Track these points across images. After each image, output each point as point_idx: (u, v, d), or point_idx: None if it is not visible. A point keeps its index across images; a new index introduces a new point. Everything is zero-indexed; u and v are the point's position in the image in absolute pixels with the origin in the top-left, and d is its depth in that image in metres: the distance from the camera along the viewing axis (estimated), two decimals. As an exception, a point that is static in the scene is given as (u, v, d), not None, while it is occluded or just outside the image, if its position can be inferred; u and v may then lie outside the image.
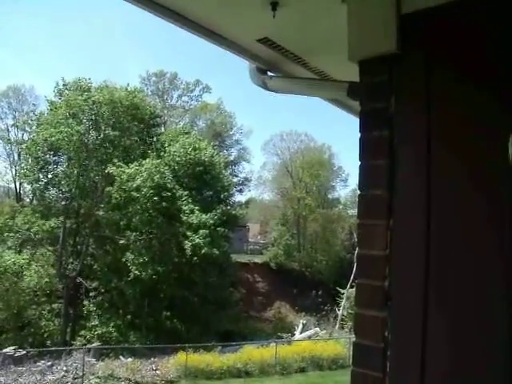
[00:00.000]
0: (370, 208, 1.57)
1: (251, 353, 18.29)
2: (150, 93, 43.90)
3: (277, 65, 2.30)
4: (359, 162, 1.60)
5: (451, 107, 1.45)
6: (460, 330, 1.36)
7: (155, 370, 17.08)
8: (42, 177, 25.48)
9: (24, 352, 18.11)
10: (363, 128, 1.61)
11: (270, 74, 2.31)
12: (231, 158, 43.77)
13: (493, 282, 1.30)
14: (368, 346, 1.52)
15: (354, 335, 1.57)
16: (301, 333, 26.82)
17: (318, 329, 27.45)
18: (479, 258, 1.34)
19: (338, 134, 73.14)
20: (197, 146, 29.04)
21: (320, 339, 23.13)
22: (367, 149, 1.59)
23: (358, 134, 1.61)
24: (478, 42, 1.40)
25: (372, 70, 1.60)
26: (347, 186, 49.11)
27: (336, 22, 1.90)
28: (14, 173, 35.40)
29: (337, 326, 28.99)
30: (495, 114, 1.35)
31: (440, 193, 1.43)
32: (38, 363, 17.03)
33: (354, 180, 67.20)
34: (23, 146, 27.23)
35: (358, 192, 1.59)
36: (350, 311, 29.92)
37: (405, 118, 1.51)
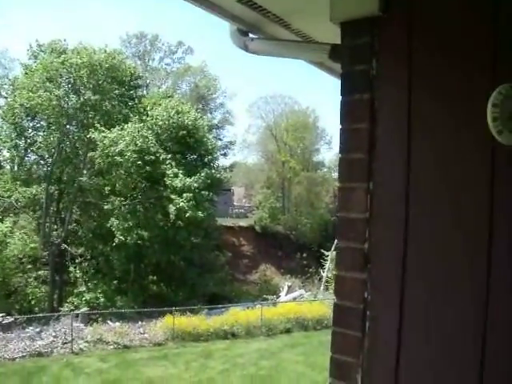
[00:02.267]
0: (351, 171, 1.57)
1: (237, 315, 18.65)
2: (130, 55, 42.77)
3: (258, 26, 2.25)
4: (340, 126, 1.59)
5: (432, 72, 1.43)
6: (436, 293, 1.39)
7: (143, 334, 17.38)
8: (20, 143, 24.95)
9: (12, 319, 18.21)
10: (344, 91, 1.59)
11: (251, 35, 2.26)
12: (215, 121, 43.33)
13: (477, 240, 1.33)
14: (348, 307, 1.55)
15: (334, 296, 1.61)
16: (286, 295, 27.34)
17: (303, 290, 28.01)
18: (458, 218, 1.36)
19: (322, 98, 72.66)
20: (180, 109, 28.65)
21: (305, 301, 23.62)
22: (348, 112, 1.58)
23: (339, 97, 1.60)
24: (461, 5, 1.38)
25: (354, 32, 1.56)
26: (331, 149, 49.16)
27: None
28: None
29: (321, 287, 29.56)
30: (475, 77, 1.35)
31: (420, 155, 1.43)
32: (27, 329, 17.19)
33: (338, 143, 67.32)
34: (-1, 111, 26.53)
35: (339, 155, 1.59)
36: (334, 273, 30.42)
37: (386, 81, 1.50)
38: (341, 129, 1.59)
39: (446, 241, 1.38)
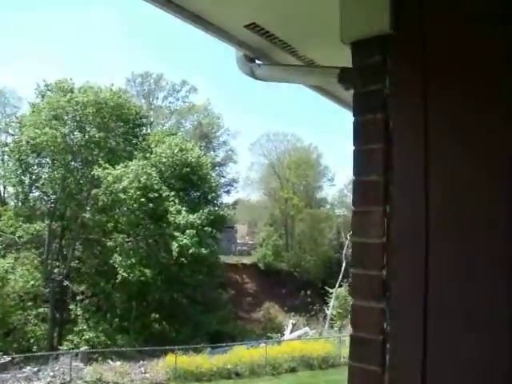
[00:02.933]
0: (366, 194, 1.49)
1: (241, 354, 18.25)
2: (135, 94, 43.54)
3: (265, 52, 2.23)
4: (353, 147, 1.53)
5: (450, 87, 1.38)
6: (464, 321, 1.30)
7: (144, 373, 16.96)
8: (25, 179, 25.08)
9: (9, 358, 17.84)
10: (357, 111, 1.53)
11: (257, 62, 2.24)
12: (218, 159, 43.57)
13: (501, 265, 1.24)
14: (366, 339, 1.45)
15: (350, 328, 1.50)
16: (290, 333, 26.85)
17: (307, 328, 27.50)
18: (483, 243, 1.28)
19: (325, 135, 73.40)
20: (183, 146, 28.91)
21: (310, 339, 23.15)
22: (361, 133, 1.52)
23: (352, 119, 1.54)
24: (479, 18, 1.34)
25: (365, 52, 1.52)
26: (334, 186, 49.30)
27: (327, 5, 1.84)
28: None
29: (326, 325, 29.09)
30: (498, 93, 1.29)
31: (439, 178, 1.36)
32: (24, 369, 16.83)
33: (340, 179, 67.63)
34: (6, 148, 26.81)
35: (353, 178, 1.52)
36: (338, 310, 30.05)
37: (400, 99, 1.44)
38: (354, 150, 1.53)
39: (470, 266, 1.29)
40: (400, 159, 1.43)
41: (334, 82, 1.89)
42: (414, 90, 1.42)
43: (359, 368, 1.46)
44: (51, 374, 16.48)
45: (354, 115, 1.54)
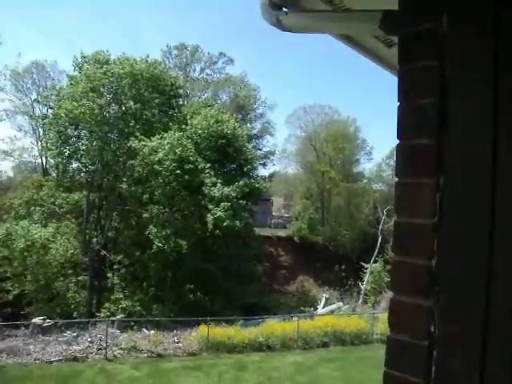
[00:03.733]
0: (413, 162, 1.17)
1: (273, 327, 18.23)
2: (171, 66, 43.30)
3: (293, -1, 1.90)
4: (398, 103, 1.22)
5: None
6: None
7: (177, 343, 17.19)
8: (64, 151, 25.45)
9: (52, 322, 18.46)
10: (403, 58, 1.21)
11: (284, 9, 1.91)
12: (255, 131, 43.15)
13: None
14: (407, 343, 1.15)
15: (388, 329, 1.22)
16: (323, 307, 26.71)
17: (340, 303, 27.29)
18: None
19: (364, 106, 71.68)
20: (219, 118, 28.62)
21: (343, 314, 22.94)
22: (409, 84, 1.19)
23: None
24: None
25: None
26: (372, 160, 48.24)
27: None
28: (40, 148, 35.67)
29: (360, 300, 28.80)
30: None
31: (511, 142, 1.04)
32: (65, 333, 17.37)
33: (378, 154, 66.28)
34: (46, 120, 27.25)
35: (397, 142, 1.21)
36: (373, 286, 29.67)
37: (462, 40, 1.11)
38: (399, 106, 1.21)
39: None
40: (459, 118, 1.11)
41: (375, 28, 1.55)
42: (482, 27, 1.08)
43: (397, 377, 1.17)
44: (89, 339, 16.94)
45: (399, 62, 1.22)
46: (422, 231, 1.14)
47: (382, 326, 19.34)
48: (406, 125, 1.21)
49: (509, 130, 1.04)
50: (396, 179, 1.20)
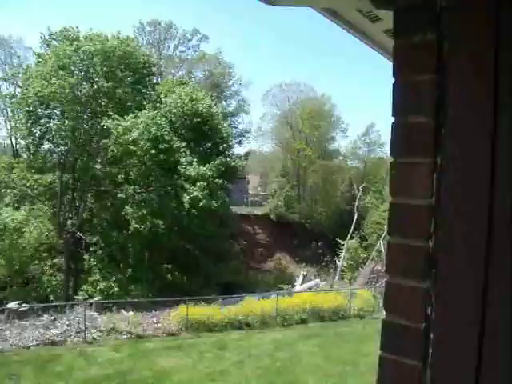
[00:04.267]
0: (409, 141, 1.13)
1: (252, 305, 18.36)
2: (144, 43, 42.36)
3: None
4: (393, 79, 1.17)
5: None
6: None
7: (156, 323, 17.18)
8: (35, 131, 24.77)
9: (28, 306, 18.20)
10: (399, 32, 1.15)
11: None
12: (230, 109, 42.82)
13: None
14: (403, 326, 1.13)
15: (383, 311, 1.19)
16: (301, 284, 27.05)
17: (318, 280, 27.68)
18: None
19: (338, 83, 71.74)
20: (194, 96, 28.23)
21: (321, 290, 23.27)
22: (405, 59, 1.14)
23: (392, 41, 1.17)
24: None
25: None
26: (347, 137, 48.60)
27: None
28: (9, 128, 34.56)
29: (337, 276, 29.25)
30: None
31: (510, 121, 1.00)
32: (42, 317, 17.14)
33: (353, 131, 66.71)
34: (14, 100, 26.39)
35: (393, 119, 1.16)
36: (349, 262, 30.16)
37: (461, 14, 1.06)
38: (394, 83, 1.16)
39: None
40: (457, 95, 1.06)
41: (361, 2, 1.49)
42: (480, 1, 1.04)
43: (393, 361, 1.16)
44: (67, 322, 16.76)
45: (394, 36, 1.17)
46: (419, 212, 1.11)
47: (358, 301, 19.70)
48: (401, 102, 1.16)
49: (509, 109, 1.00)
50: (391, 159, 1.16)
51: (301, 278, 28.65)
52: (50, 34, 25.49)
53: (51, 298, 22.49)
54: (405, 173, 1.14)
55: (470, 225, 1.04)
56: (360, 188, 37.27)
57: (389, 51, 2.85)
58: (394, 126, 1.16)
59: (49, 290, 23.06)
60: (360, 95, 74.73)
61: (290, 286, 27.38)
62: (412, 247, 1.12)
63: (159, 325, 17.05)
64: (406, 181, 1.13)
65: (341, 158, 47.99)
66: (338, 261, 30.62)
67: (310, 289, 24.73)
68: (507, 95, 1.01)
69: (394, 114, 1.17)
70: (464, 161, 1.05)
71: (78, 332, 16.05)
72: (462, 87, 1.06)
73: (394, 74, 1.16)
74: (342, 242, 31.30)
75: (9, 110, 32.61)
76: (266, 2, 1.85)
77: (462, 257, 1.06)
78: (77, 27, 25.53)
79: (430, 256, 1.09)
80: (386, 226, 31.94)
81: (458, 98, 1.06)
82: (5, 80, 32.78)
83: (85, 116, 25.01)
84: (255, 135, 47.26)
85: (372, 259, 29.06)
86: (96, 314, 17.78)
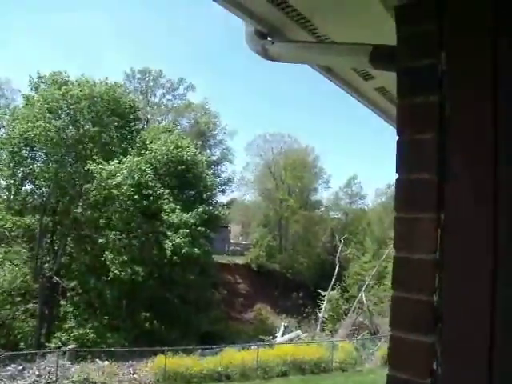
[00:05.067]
0: (413, 197, 1.17)
1: (232, 356, 17.92)
2: (133, 90, 43.04)
3: (278, 29, 1.92)
4: (397, 137, 1.22)
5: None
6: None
7: (133, 374, 16.60)
8: (18, 172, 24.54)
9: (-6, 355, 17.40)
10: (402, 92, 1.21)
11: (269, 39, 1.93)
12: (214, 158, 43.18)
13: None
14: (409, 382, 1.12)
15: (388, 366, 1.19)
16: (282, 335, 26.53)
17: (299, 331, 27.22)
18: None
19: (322, 135, 73.38)
20: (179, 143, 28.50)
21: (302, 342, 22.85)
22: (408, 119, 1.20)
23: (396, 102, 1.23)
24: None
25: (414, 17, 1.21)
26: (329, 188, 49.19)
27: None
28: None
29: (318, 328, 28.82)
30: None
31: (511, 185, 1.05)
32: (9, 367, 16.32)
33: (335, 182, 67.73)
34: (-1, 140, 26.22)
35: (396, 175, 1.21)
36: (331, 313, 29.82)
37: (462, 77, 1.13)
38: (398, 141, 1.22)
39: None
40: (459, 153, 1.12)
41: (365, 61, 1.57)
42: (480, 64, 1.11)
43: (399, 417, 1.14)
44: (37, 372, 15.99)
45: (398, 97, 1.23)
46: (422, 267, 1.13)
47: (340, 354, 19.38)
48: (405, 159, 1.21)
49: (509, 174, 1.05)
50: (395, 214, 1.20)
51: (282, 329, 28.12)
52: (39, 77, 25.74)
53: (22, 345, 21.52)
54: (409, 228, 1.17)
55: (471, 281, 1.07)
56: (341, 239, 37.39)
57: (379, 107, 2.97)
58: (398, 182, 1.21)
59: (19, 336, 22.09)
60: (344, 146, 76.43)
61: (270, 337, 26.83)
62: (416, 301, 1.13)
63: (136, 375, 16.48)
64: (409, 236, 1.16)
65: (323, 208, 48.39)
66: (319, 312, 30.25)
67: (291, 340, 24.28)
68: (505, 159, 1.06)
69: (397, 171, 1.21)
70: (466, 217, 1.09)
71: (49, 383, 15.35)
72: (463, 146, 1.11)
73: (398, 132, 1.22)
74: (324, 293, 31.03)
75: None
76: (266, 58, 1.94)
77: (466, 312, 1.07)
78: (65, 72, 25.90)
79: (435, 310, 1.11)
80: (366, 278, 31.96)
81: (459, 156, 1.11)
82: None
83: (69, 159, 24.95)
84: (238, 184, 47.61)
85: (354, 311, 28.80)
86: (69, 363, 17.07)
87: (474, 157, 1.10)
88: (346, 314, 29.52)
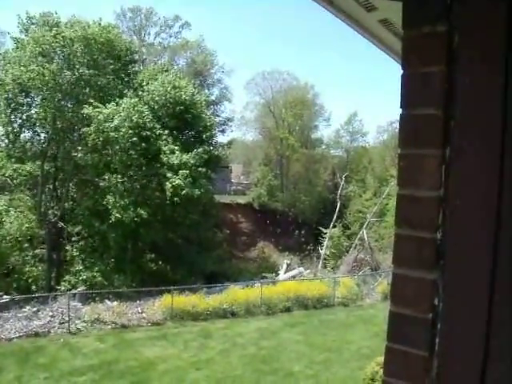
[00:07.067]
0: (418, 133, 1.13)
1: (236, 294, 18.45)
2: (125, 30, 41.73)
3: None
4: (401, 71, 1.16)
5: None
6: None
7: (141, 313, 17.16)
8: (15, 119, 24.25)
9: (9, 298, 17.96)
10: (408, 22, 1.15)
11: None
12: (213, 97, 42.46)
13: None
14: (410, 317, 1.14)
15: (389, 302, 1.20)
16: (285, 272, 27.19)
17: (301, 268, 27.86)
18: None
19: (322, 72, 71.79)
20: (177, 84, 27.87)
21: (304, 279, 23.44)
22: (414, 51, 1.14)
23: (401, 32, 1.16)
24: None
25: None
26: (330, 126, 48.78)
27: None
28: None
29: (320, 265, 29.46)
30: None
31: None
32: (24, 309, 16.92)
33: (336, 120, 66.98)
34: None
35: (401, 111, 1.16)
36: (332, 250, 30.39)
37: (473, 5, 1.06)
38: (403, 74, 1.16)
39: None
40: (468, 87, 1.06)
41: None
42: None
43: (400, 351, 1.17)
44: (50, 313, 16.61)
45: (403, 27, 1.16)
46: (427, 203, 1.12)
47: (342, 289, 19.94)
48: (410, 94, 1.16)
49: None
50: (399, 150, 1.16)
51: (284, 266, 28.80)
52: (29, 18, 24.83)
53: (33, 288, 22.17)
54: (413, 164, 1.14)
55: (477, 217, 1.05)
56: (343, 177, 37.48)
57: (382, 41, 2.86)
58: (403, 118, 1.16)
59: (31, 280, 22.72)
60: (344, 83, 75.02)
61: (273, 274, 27.50)
62: (419, 238, 1.12)
63: (144, 314, 17.04)
64: (414, 172, 1.14)
65: (323, 146, 48.14)
66: (321, 249, 30.83)
67: (293, 277, 24.89)
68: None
69: (402, 106, 1.17)
70: (473, 153, 1.06)
71: (62, 323, 15.95)
72: (472, 80, 1.06)
73: (403, 66, 1.16)
74: (325, 231, 31.50)
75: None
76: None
77: (469, 248, 1.07)
78: (56, 13, 24.99)
79: (437, 247, 1.10)
80: (368, 215, 32.35)
81: (468, 91, 1.06)
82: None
83: (66, 104, 24.56)
84: (238, 124, 47.10)
85: (355, 247, 29.36)
86: (79, 304, 17.66)
87: (484, 90, 1.05)
88: (347, 251, 30.10)
